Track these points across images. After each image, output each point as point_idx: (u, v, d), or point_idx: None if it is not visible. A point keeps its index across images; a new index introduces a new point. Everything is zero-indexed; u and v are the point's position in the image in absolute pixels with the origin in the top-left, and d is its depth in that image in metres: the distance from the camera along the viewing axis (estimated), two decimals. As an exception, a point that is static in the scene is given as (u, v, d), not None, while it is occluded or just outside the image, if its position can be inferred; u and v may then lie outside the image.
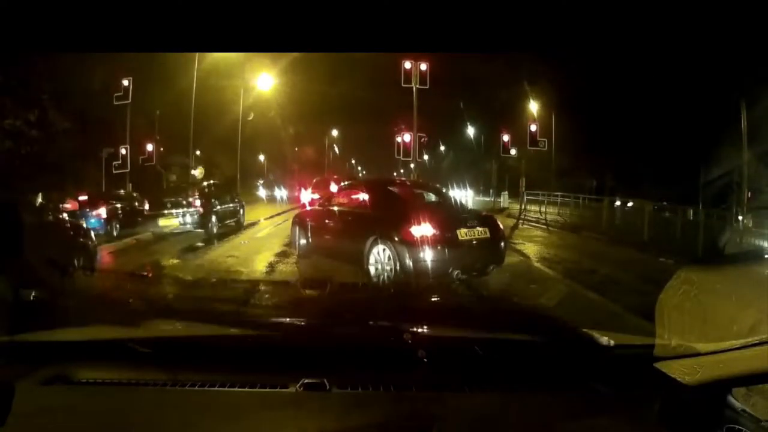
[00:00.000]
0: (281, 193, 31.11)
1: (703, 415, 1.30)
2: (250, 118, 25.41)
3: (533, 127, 23.15)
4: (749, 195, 12.92)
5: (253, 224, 16.36)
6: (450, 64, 21.71)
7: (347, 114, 37.88)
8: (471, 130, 31.27)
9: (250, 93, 24.29)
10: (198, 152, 24.90)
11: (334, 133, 46.63)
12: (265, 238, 13.08)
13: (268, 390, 1.47)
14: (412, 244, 6.43)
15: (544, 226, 16.31)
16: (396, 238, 6.58)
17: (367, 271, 6.83)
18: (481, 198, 30.61)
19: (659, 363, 1.39)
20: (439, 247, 6.44)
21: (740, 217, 12.28)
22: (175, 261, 9.55)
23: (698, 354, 1.25)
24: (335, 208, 8.38)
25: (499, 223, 7.71)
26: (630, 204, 16.66)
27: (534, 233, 14.58)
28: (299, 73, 25.04)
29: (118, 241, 12.41)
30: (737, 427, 1.29)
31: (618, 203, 17.31)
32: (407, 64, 18.98)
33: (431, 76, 19.20)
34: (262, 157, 39.55)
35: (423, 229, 6.44)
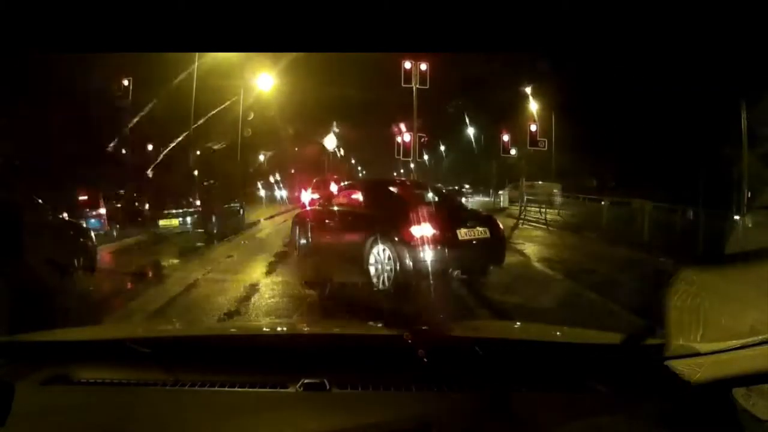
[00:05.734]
0: (281, 193, 31.09)
1: (703, 415, 1.30)
2: (250, 118, 25.40)
3: (533, 127, 23.12)
4: (749, 195, 12.89)
5: (253, 224, 16.37)
6: (450, 64, 21.72)
7: (347, 114, 37.82)
8: (471, 130, 31.30)
9: (250, 93, 24.27)
10: (198, 152, 24.89)
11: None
12: (266, 238, 13.09)
13: (268, 390, 1.47)
14: (412, 244, 6.43)
15: (544, 226, 16.30)
16: (396, 238, 6.57)
17: (367, 271, 6.83)
18: (480, 198, 30.61)
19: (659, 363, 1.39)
20: (439, 247, 6.44)
21: (740, 217, 12.26)
22: (176, 261, 9.55)
23: (698, 354, 1.25)
24: (335, 208, 8.38)
25: (499, 223, 7.72)
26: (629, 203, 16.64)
27: (534, 233, 14.57)
28: (299, 73, 25.01)
29: (118, 241, 12.41)
30: (737, 427, 1.29)
31: (604, 202, 17.28)
32: (407, 64, 18.96)
33: (431, 76, 19.19)
34: (262, 157, 39.53)
35: (423, 229, 6.44)
